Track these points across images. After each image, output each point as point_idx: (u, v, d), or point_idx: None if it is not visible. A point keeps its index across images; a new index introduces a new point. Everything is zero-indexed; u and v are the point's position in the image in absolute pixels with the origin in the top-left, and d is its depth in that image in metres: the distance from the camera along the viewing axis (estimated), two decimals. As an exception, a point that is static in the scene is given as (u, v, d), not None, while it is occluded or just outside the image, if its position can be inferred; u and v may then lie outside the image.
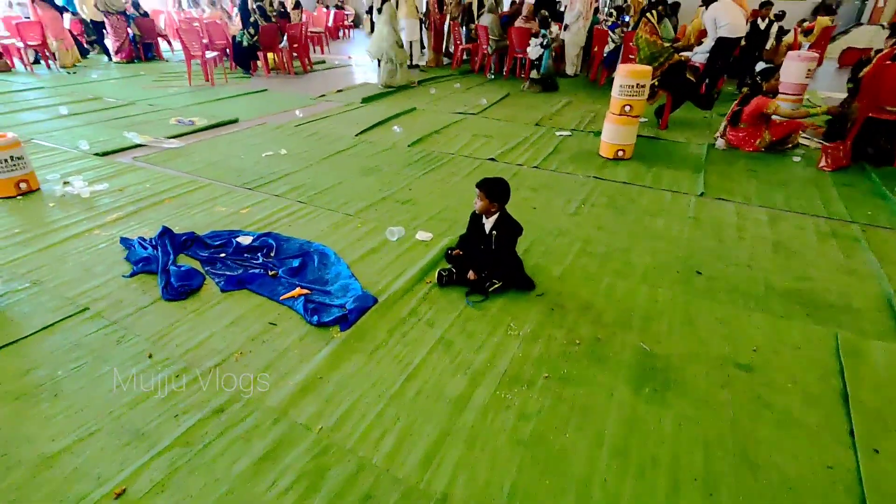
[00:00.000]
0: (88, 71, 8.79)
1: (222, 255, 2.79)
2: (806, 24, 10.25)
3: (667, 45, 5.48)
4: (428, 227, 3.18)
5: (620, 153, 4.48)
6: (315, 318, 2.24)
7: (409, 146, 4.82)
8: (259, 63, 8.85)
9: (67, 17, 9.86)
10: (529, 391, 1.89)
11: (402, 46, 7.59)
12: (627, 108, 4.30)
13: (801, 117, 4.78)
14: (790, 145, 4.76)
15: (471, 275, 2.46)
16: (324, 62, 10.21)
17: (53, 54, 8.93)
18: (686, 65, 5.77)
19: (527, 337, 2.18)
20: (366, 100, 6.71)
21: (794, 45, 8.93)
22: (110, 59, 9.82)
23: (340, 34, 15.18)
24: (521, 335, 2.19)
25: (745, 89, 4.85)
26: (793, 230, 3.24)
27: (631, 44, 6.04)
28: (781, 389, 1.92)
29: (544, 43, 7.31)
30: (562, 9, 9.34)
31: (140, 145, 4.73)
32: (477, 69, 9.07)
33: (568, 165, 4.36)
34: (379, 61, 7.56)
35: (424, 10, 8.82)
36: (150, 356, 2.03)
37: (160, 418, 1.74)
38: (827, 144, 4.48)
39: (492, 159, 4.49)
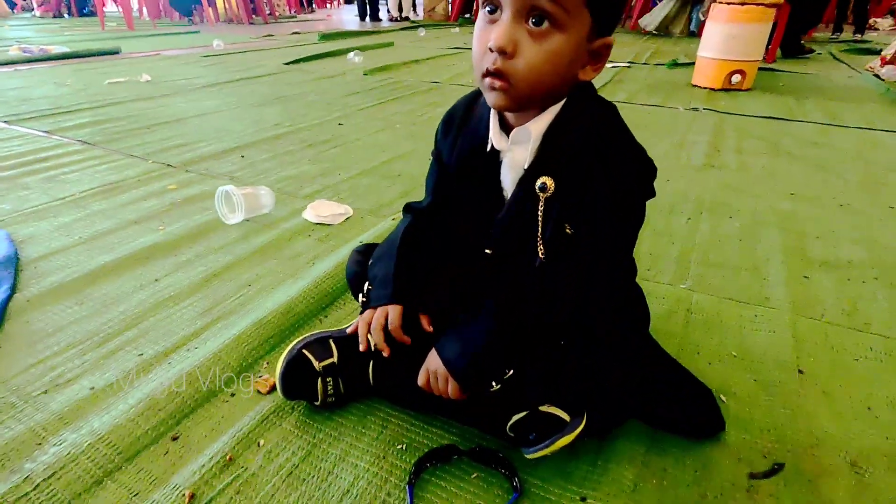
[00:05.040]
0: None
1: None
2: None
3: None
4: (350, 190, 1.24)
5: (736, 79, 2.50)
6: None
7: (365, 74, 2.87)
8: (205, 11, 6.93)
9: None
10: None
11: None
12: (760, -11, 2.32)
13: None
14: None
15: (423, 375, 0.51)
16: (294, 17, 8.27)
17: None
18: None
19: None
20: (325, 37, 4.75)
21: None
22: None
23: (328, 5, 13.22)
24: None
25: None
26: None
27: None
28: None
29: None
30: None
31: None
32: (482, 19, 7.08)
33: (649, 96, 2.39)
34: None
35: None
36: None
37: None
38: None
39: (506, 89, 2.52)
